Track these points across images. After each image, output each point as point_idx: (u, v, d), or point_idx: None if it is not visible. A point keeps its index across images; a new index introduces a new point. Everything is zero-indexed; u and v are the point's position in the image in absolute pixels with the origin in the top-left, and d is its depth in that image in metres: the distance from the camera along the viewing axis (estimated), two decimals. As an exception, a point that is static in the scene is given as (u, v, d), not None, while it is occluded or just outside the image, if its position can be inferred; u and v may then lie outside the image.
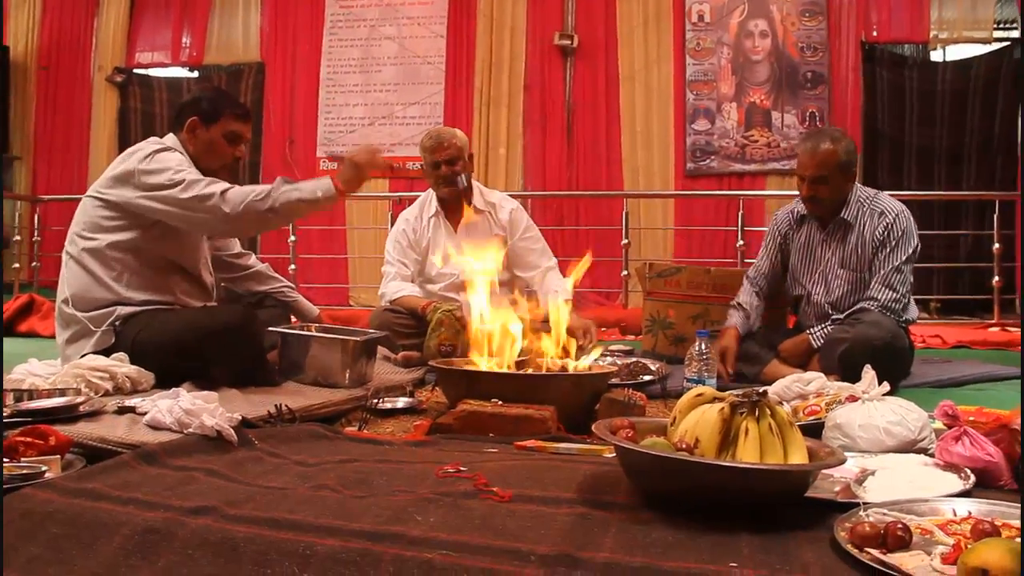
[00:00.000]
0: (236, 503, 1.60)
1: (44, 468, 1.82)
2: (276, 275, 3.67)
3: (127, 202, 3.00)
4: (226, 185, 2.96)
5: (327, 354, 3.16)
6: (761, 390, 1.75)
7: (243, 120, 3.26)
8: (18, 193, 9.54)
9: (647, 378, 3.52)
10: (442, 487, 1.76)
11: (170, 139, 3.20)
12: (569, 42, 8.48)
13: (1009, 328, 5.89)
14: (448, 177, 3.92)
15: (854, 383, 2.81)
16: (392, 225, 7.15)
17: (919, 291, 5.72)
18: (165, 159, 3.01)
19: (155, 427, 2.19)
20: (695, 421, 1.75)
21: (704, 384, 2.72)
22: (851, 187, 3.47)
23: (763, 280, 3.69)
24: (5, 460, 1.88)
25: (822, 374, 2.95)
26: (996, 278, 6.51)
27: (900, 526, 1.40)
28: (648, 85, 8.38)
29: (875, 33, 8.06)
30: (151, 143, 3.12)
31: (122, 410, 2.38)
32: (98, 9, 9.66)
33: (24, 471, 1.78)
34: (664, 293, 4.18)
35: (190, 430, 2.13)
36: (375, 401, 2.95)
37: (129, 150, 3.15)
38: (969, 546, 1.30)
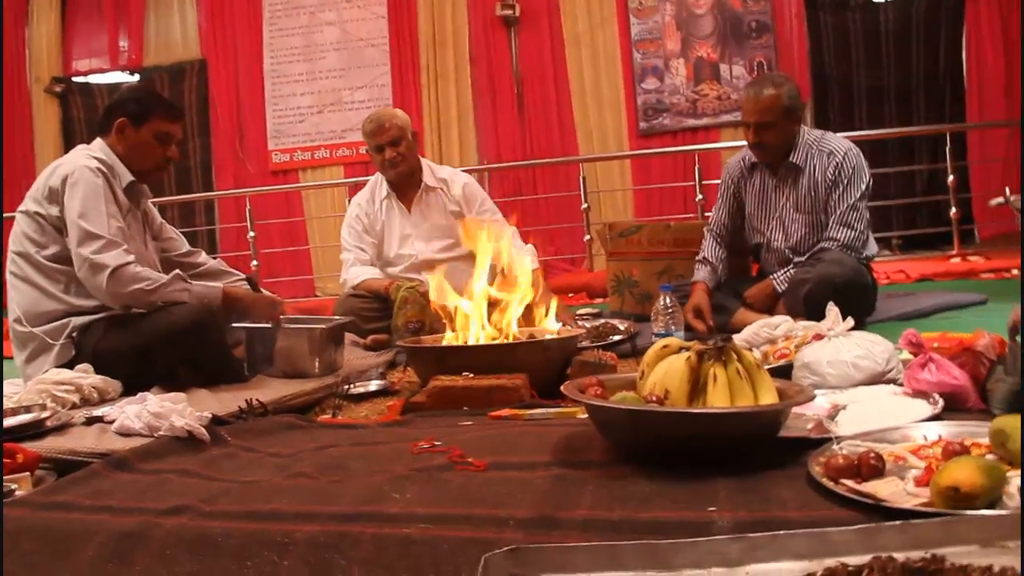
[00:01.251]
0: (211, 499, 1.59)
1: (14, 487, 1.79)
2: (230, 269, 3.59)
3: (56, 217, 2.94)
4: (124, 260, 2.86)
5: (294, 345, 3.12)
6: (725, 337, 1.76)
7: (173, 120, 3.19)
8: (-34, 214, 9.34)
9: (616, 338, 3.53)
10: (417, 463, 1.76)
11: (97, 144, 3.12)
12: (511, 11, 8.42)
13: (970, 258, 5.96)
14: (393, 160, 3.88)
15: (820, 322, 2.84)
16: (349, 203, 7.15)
17: (879, 229, 5.79)
18: (85, 188, 2.91)
19: (125, 434, 2.16)
20: (663, 372, 1.76)
21: (672, 336, 2.72)
22: (797, 130, 3.48)
23: (723, 231, 3.70)
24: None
25: (788, 317, 2.98)
26: (953, 209, 6.58)
27: (873, 455, 1.41)
28: (594, 48, 8.35)
29: (816, -23, 8.09)
30: (78, 157, 3.03)
31: (90, 421, 2.35)
32: (28, 19, 9.45)
33: (-7, 492, 1.75)
34: (626, 252, 4.18)
35: (160, 433, 2.10)
36: (347, 387, 2.93)
37: (53, 164, 3.06)
38: (940, 467, 1.31)
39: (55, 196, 2.94)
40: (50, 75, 9.36)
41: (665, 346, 1.84)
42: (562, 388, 1.79)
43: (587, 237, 7.03)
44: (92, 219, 2.88)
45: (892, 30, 8.08)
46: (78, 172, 2.94)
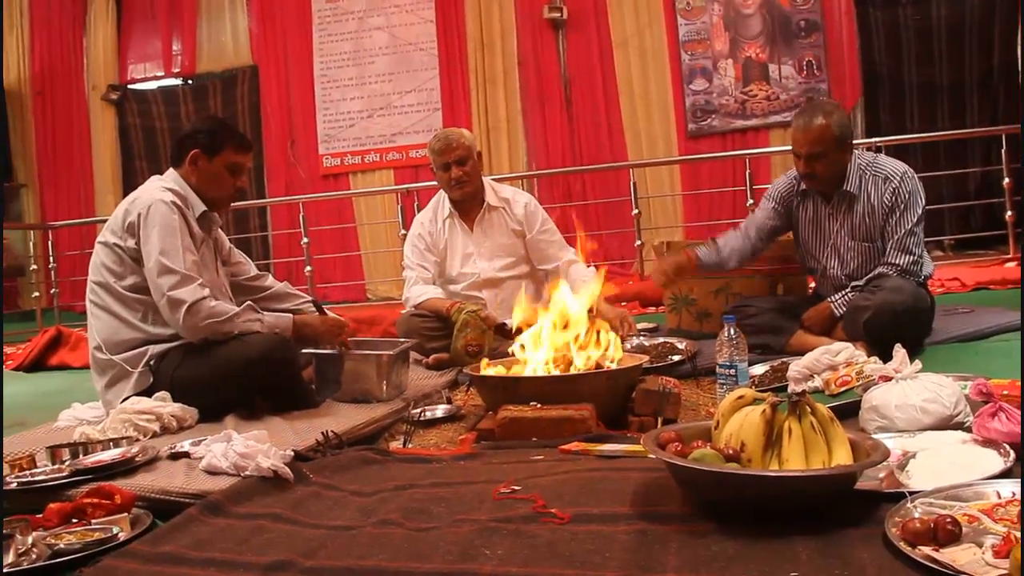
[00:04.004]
0: (309, 552, 1.67)
1: (117, 529, 1.89)
2: (296, 292, 3.68)
3: (133, 250, 3.05)
4: (199, 295, 2.97)
5: (362, 370, 3.22)
6: (799, 390, 1.80)
7: (244, 151, 3.29)
8: (28, 222, 9.62)
9: (676, 358, 3.57)
10: (501, 511, 1.83)
11: (171, 176, 3.22)
12: (559, 14, 8.47)
13: (1025, 262, 5.90)
14: (459, 179, 3.95)
15: (880, 349, 2.87)
16: (401, 218, 7.26)
17: (931, 232, 5.73)
18: (162, 225, 3.03)
19: (212, 472, 2.26)
20: (739, 424, 1.81)
21: (736, 367, 2.76)
22: (849, 158, 3.46)
23: (753, 229, 3.68)
24: (77, 523, 1.96)
25: (849, 344, 3.01)
26: (1009, 212, 6.51)
27: (949, 520, 1.46)
28: (642, 50, 8.38)
29: (866, -27, 8.02)
30: (153, 190, 3.13)
31: (175, 456, 2.45)
32: (86, 29, 9.69)
33: (98, 535, 1.85)
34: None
35: (247, 473, 2.20)
36: (415, 413, 3.01)
37: (131, 196, 3.17)
38: (1017, 538, 1.35)
39: (133, 229, 3.05)
40: (107, 83, 9.58)
41: (740, 397, 1.89)
42: (642, 442, 1.85)
43: (638, 242, 7.06)
44: (169, 254, 3.00)
45: (944, 26, 7.98)
46: (154, 207, 3.05)
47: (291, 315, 3.25)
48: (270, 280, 3.62)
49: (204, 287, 3.01)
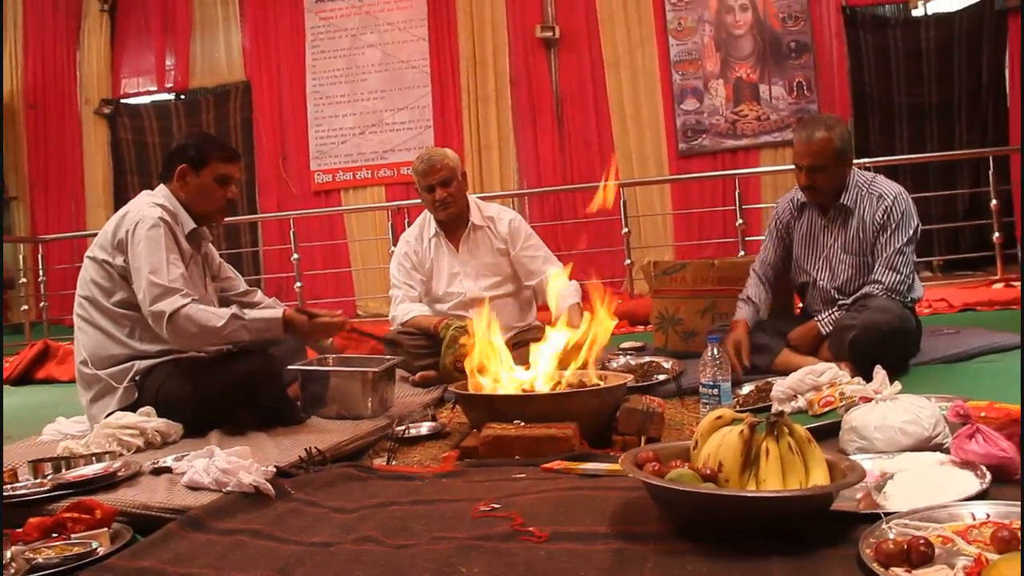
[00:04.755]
0: (287, 569, 1.67)
1: (96, 544, 1.89)
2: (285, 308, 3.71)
3: (121, 266, 3.06)
4: (180, 304, 2.95)
5: (348, 387, 3.22)
6: (777, 411, 1.81)
7: (232, 161, 3.30)
8: (19, 236, 9.61)
9: (661, 377, 3.58)
10: (480, 529, 1.83)
11: (160, 192, 3.23)
12: (551, 33, 8.52)
13: (1013, 283, 5.94)
14: (444, 200, 3.96)
15: (865, 369, 2.88)
16: (392, 234, 7.27)
17: (919, 252, 5.76)
18: (144, 243, 3.02)
19: (194, 487, 2.26)
20: (717, 444, 1.82)
21: (719, 387, 2.78)
22: (848, 172, 3.52)
23: (769, 271, 3.74)
24: (57, 537, 1.95)
25: (834, 364, 3.03)
26: (996, 234, 6.55)
27: (923, 541, 1.46)
28: (634, 69, 8.43)
29: (855, -4, 8.10)
30: (142, 206, 3.14)
31: (158, 471, 2.45)
32: (79, 43, 9.70)
33: (77, 549, 1.85)
34: (671, 290, 4.23)
35: (228, 488, 2.20)
36: (400, 430, 3.01)
37: (120, 212, 3.17)
38: (989, 560, 1.36)
39: (121, 246, 3.06)
40: (99, 97, 9.59)
41: (718, 417, 1.90)
42: (620, 462, 1.85)
43: (627, 261, 7.07)
44: (155, 269, 3.00)
45: (933, 48, 8.05)
46: (142, 223, 3.05)
47: (280, 313, 3.18)
48: (259, 296, 3.63)
49: (187, 296, 2.99)
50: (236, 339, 3.05)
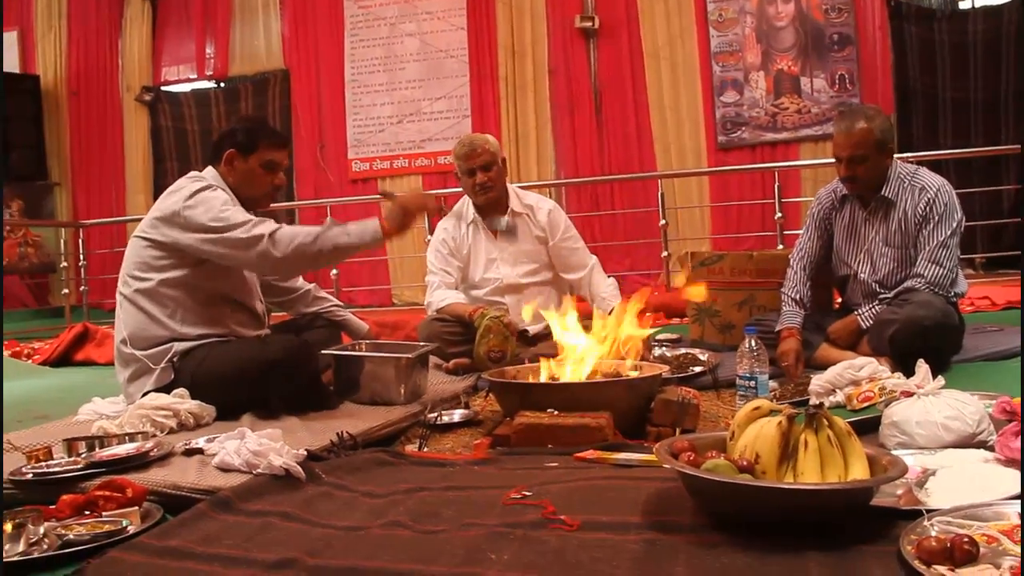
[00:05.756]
0: (315, 551, 1.66)
1: (126, 523, 1.89)
2: (324, 295, 3.72)
3: (174, 242, 3.04)
4: (274, 226, 2.98)
5: (381, 373, 3.21)
6: (817, 403, 1.77)
7: (279, 148, 3.29)
8: (60, 220, 9.74)
9: (697, 370, 3.54)
10: (510, 516, 1.81)
11: (209, 173, 3.23)
12: (591, 23, 8.47)
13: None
14: (484, 184, 3.95)
15: (905, 365, 2.82)
16: (428, 225, 7.26)
17: (963, 250, 5.65)
18: (207, 199, 3.03)
19: (224, 469, 2.25)
20: (754, 436, 1.78)
21: (756, 380, 2.73)
22: (890, 163, 3.44)
23: (811, 265, 3.64)
24: (89, 515, 1.96)
25: (873, 359, 2.96)
26: (1041, 231, 6.42)
27: (967, 539, 1.42)
28: (673, 61, 8.36)
29: (900, -13, 7.95)
30: (191, 180, 3.14)
31: (189, 452, 2.45)
32: (122, 31, 9.80)
33: (108, 527, 1.86)
34: (708, 281, 4.18)
35: (259, 470, 2.19)
36: (432, 417, 3.00)
37: (171, 188, 3.17)
38: (1037, 559, 1.32)
39: (175, 219, 3.04)
40: (140, 84, 9.69)
41: (756, 408, 1.86)
42: (655, 451, 1.82)
43: (664, 253, 7.02)
44: (230, 211, 3.01)
45: (980, 41, 7.89)
46: (198, 192, 3.05)
47: (376, 220, 3.08)
48: (300, 282, 3.64)
49: (274, 223, 3.00)
50: (338, 243, 2.99)
